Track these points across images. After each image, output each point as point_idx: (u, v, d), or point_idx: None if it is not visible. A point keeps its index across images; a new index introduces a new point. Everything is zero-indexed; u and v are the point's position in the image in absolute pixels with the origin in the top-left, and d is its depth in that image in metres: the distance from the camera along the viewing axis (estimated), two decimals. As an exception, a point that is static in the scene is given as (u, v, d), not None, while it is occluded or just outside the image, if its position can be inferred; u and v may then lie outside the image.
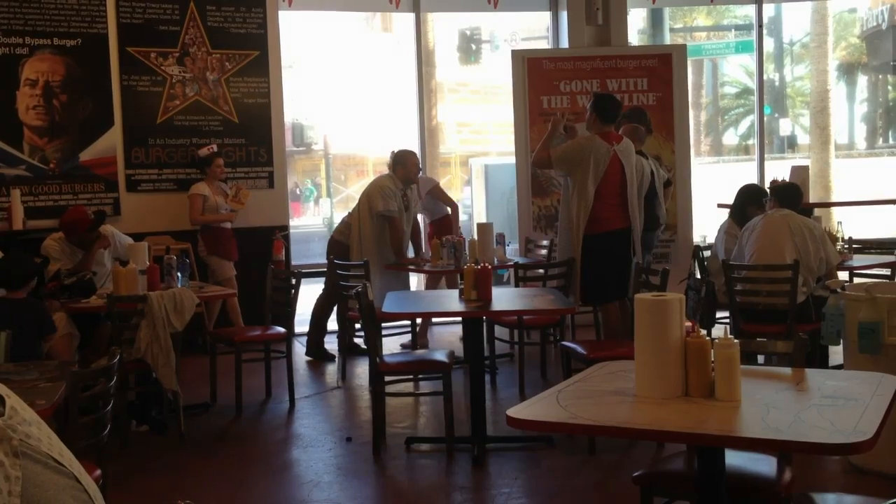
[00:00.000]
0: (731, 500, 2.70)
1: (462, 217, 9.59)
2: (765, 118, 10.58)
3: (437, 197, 7.75)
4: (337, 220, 9.29)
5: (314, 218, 16.28)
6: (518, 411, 2.54)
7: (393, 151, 7.16)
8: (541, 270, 6.49)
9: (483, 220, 10.25)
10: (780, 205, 5.63)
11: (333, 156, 15.62)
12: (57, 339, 5.02)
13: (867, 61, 19.90)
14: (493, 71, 12.98)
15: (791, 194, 5.77)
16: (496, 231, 6.92)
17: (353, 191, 13.78)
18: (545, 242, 7.40)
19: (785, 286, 5.28)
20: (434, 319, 7.70)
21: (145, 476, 4.61)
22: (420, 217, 7.81)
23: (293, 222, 9.42)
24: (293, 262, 8.05)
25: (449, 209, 7.80)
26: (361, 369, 6.69)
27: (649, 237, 6.50)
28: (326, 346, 7.26)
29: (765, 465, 2.95)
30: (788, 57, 20.66)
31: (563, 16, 8.81)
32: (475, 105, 14.85)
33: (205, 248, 7.33)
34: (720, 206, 7.24)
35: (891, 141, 20.82)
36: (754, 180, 8.87)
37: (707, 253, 6.51)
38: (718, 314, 6.02)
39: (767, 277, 5.42)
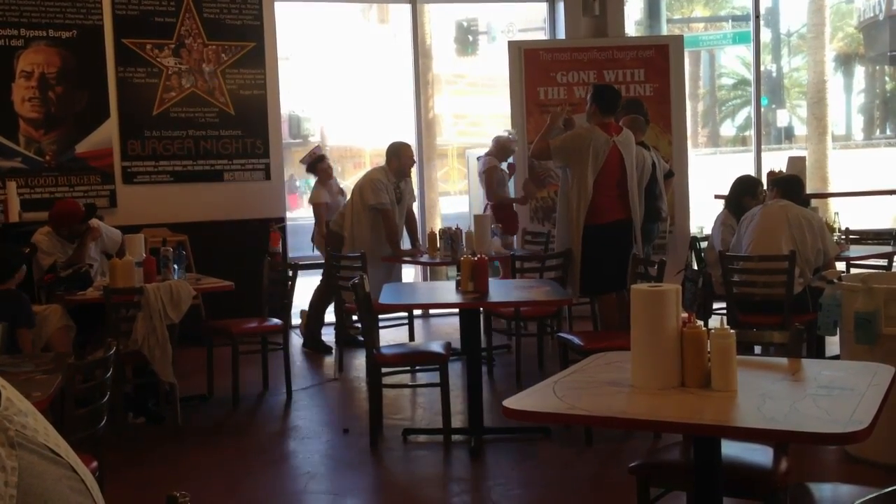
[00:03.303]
0: (727, 490, 2.71)
1: (462, 209, 9.62)
2: (762, 109, 10.57)
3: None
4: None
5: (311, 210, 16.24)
6: (515, 402, 2.54)
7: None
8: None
9: (480, 211, 10.23)
10: (781, 196, 5.63)
11: (330, 147, 15.59)
12: (54, 332, 5.02)
13: (864, 52, 19.90)
14: (490, 62, 12.96)
15: (793, 186, 5.77)
16: (493, 223, 6.93)
17: (350, 183, 13.76)
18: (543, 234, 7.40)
19: (781, 277, 5.28)
20: (431, 311, 7.69)
21: (142, 467, 4.61)
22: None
23: (289, 214, 9.39)
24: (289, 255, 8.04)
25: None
26: (358, 361, 6.69)
27: (651, 229, 6.48)
28: (323, 337, 7.27)
29: (761, 455, 2.95)
30: (786, 48, 20.67)
31: (560, 6, 8.80)
32: (472, 96, 14.82)
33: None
34: (717, 197, 7.23)
35: (888, 132, 20.83)
36: (751, 171, 8.87)
37: (704, 244, 6.51)
38: (715, 305, 6.03)
39: (764, 268, 5.42)
